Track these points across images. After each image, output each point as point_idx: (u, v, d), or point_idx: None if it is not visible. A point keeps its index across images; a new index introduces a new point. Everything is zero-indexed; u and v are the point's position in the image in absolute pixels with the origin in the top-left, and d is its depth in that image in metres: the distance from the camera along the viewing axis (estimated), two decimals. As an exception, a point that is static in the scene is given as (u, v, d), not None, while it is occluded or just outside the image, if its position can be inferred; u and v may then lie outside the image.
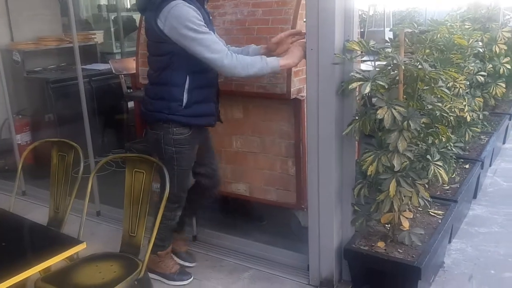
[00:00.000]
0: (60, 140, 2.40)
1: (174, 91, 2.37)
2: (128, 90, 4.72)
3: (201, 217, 3.23)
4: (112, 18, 6.46)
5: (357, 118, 2.30)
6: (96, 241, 3.11)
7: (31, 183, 4.09)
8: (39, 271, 1.73)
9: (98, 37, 5.61)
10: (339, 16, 2.25)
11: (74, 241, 1.74)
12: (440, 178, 2.38)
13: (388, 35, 8.22)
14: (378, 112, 2.07)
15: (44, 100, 4.50)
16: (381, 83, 2.09)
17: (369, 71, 2.20)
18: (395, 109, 2.06)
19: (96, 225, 3.52)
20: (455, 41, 2.48)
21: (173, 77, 2.36)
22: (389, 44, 2.26)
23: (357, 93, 2.34)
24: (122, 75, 4.49)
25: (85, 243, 1.68)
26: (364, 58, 2.46)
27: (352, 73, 2.18)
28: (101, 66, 4.93)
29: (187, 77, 2.35)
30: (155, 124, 2.45)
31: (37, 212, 3.46)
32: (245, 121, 3.02)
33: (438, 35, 2.43)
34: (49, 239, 1.91)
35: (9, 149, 4.37)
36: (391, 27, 8.61)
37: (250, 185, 3.09)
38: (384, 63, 2.22)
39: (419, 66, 2.10)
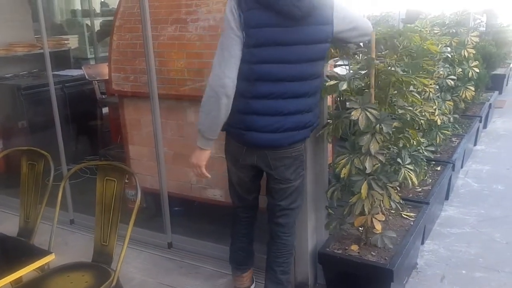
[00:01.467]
0: (29, 149, 2.36)
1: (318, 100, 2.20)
2: (102, 96, 4.68)
3: (176, 223, 3.21)
4: (86, 23, 6.38)
5: (330, 121, 2.33)
6: (69, 250, 3.07)
7: (1, 192, 4.00)
8: (10, 282, 1.69)
9: (72, 42, 5.54)
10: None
11: (44, 252, 1.71)
12: (410, 181, 2.43)
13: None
14: (352, 113, 2.09)
15: (15, 107, 4.41)
16: (358, 82, 2.13)
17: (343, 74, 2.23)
18: (368, 111, 2.09)
19: (69, 234, 3.46)
20: (427, 47, 2.53)
21: (321, 83, 2.18)
22: (363, 48, 2.29)
23: (330, 97, 2.37)
24: (96, 81, 4.44)
25: (53, 254, 1.66)
26: (338, 63, 2.49)
27: (329, 73, 2.20)
28: (74, 72, 4.87)
29: None
30: (298, 141, 2.18)
31: (8, 222, 3.39)
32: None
33: (410, 42, 2.47)
34: (19, 250, 1.88)
35: (-21, 157, 4.26)
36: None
37: (226, 190, 3.09)
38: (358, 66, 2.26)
39: (392, 69, 2.13)
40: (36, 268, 1.78)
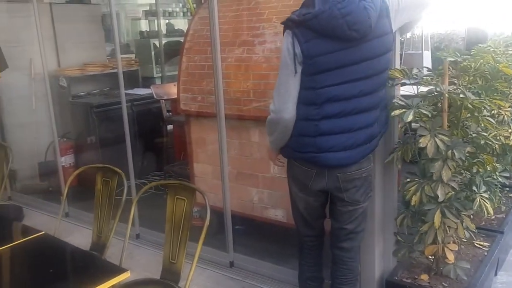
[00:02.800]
0: (104, 166, 2.47)
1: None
2: (168, 114, 4.84)
3: (238, 242, 3.23)
4: (154, 43, 6.66)
5: (398, 146, 2.27)
6: (135, 264, 3.16)
7: (73, 205, 4.20)
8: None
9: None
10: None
11: (118, 269, 1.77)
12: (485, 211, 2.30)
13: (427, 58, 8.09)
14: (420, 140, 2.04)
15: (87, 124, 4.66)
16: (424, 111, 2.06)
17: (410, 96, 2.18)
18: (438, 137, 2.02)
19: (135, 248, 3.57)
20: (501, 69, 2.42)
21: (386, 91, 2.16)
22: (431, 73, 2.23)
23: (398, 121, 2.31)
24: (163, 100, 4.60)
25: (128, 271, 1.71)
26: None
27: (394, 100, 2.15)
28: (142, 91, 5.07)
29: None
30: (369, 153, 2.16)
31: (79, 235, 3.55)
32: (284, 147, 3.02)
33: (483, 63, 2.38)
34: (93, 265, 1.95)
35: (53, 170, 4.52)
36: (430, 49, 8.50)
37: (287, 211, 3.08)
38: (426, 89, 2.19)
39: (461, 95, 2.06)
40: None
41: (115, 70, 4.94)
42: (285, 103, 2.07)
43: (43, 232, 2.17)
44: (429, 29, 9.82)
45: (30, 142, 4.70)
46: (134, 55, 6.43)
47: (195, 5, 6.26)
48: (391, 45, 2.09)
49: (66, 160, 4.56)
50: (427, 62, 8.01)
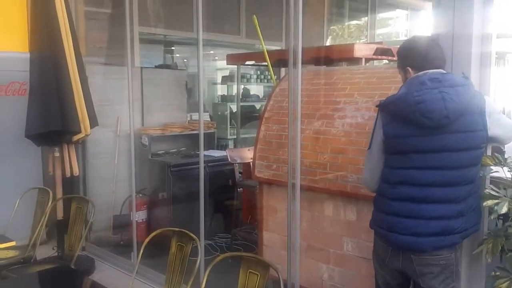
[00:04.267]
0: (181, 231, 2.50)
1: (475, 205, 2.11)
2: (239, 176, 4.91)
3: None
4: (230, 106, 6.93)
5: (488, 237, 2.11)
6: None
7: (142, 261, 4.25)
8: None
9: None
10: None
11: None
12: None
13: None
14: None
15: (163, 182, 4.82)
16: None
17: (502, 180, 2.06)
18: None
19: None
20: None
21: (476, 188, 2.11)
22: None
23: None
24: (236, 164, 4.69)
25: None
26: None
27: (486, 190, 2.04)
28: (217, 153, 5.21)
29: None
30: (444, 247, 2.06)
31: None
32: (359, 224, 2.92)
33: None
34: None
35: (126, 224, 4.67)
36: None
37: (358, 292, 2.93)
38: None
39: None
40: None
41: (193, 132, 5.19)
42: (370, 176, 2.26)
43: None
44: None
45: (108, 195, 4.91)
46: (208, 113, 6.69)
47: (276, 76, 6.51)
48: (482, 142, 2.06)
49: (139, 216, 4.70)
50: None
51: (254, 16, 3.58)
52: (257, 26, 3.68)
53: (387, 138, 2.12)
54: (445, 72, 2.08)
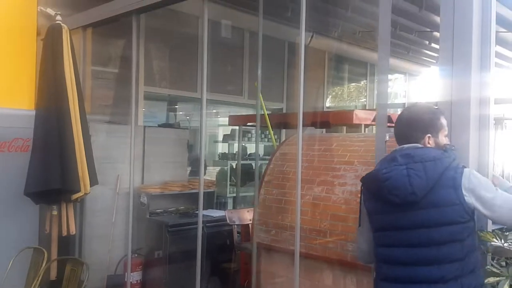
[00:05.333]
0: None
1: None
2: (237, 237, 4.83)
3: None
4: (231, 165, 6.95)
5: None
6: None
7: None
8: None
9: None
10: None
11: None
12: None
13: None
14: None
15: (160, 242, 4.75)
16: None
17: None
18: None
19: None
20: None
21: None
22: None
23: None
24: (235, 225, 4.63)
25: None
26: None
27: (488, 266, 2.01)
28: (216, 213, 5.16)
29: None
30: None
31: None
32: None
33: None
34: None
35: (120, 285, 4.55)
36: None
37: None
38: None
39: None
40: None
41: (193, 191, 5.17)
42: (362, 254, 2.31)
43: None
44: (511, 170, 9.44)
45: (104, 254, 4.82)
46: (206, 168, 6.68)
47: (276, 136, 6.59)
48: (460, 216, 1.95)
49: (134, 277, 4.59)
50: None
51: (256, 83, 3.66)
52: (259, 92, 3.77)
53: (368, 214, 2.16)
54: (420, 146, 2.07)
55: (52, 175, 3.81)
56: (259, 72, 3.77)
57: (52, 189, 3.84)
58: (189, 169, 5.80)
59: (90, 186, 4.11)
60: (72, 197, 4.00)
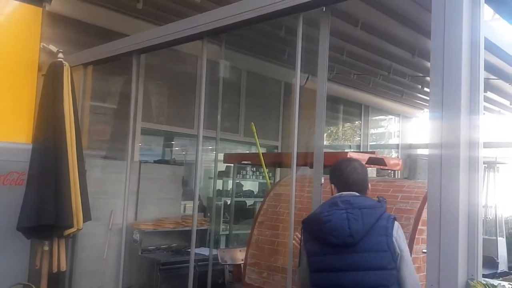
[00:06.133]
0: None
1: None
2: (229, 275, 4.78)
3: None
4: (224, 202, 6.94)
5: None
6: None
7: None
8: None
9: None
10: (462, 249, 2.17)
11: None
12: None
13: (501, 245, 7.59)
14: None
15: (151, 279, 4.69)
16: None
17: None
18: None
19: None
20: None
21: None
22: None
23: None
24: (227, 265, 4.59)
25: None
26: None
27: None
28: (208, 252, 5.12)
29: None
30: None
31: None
32: None
33: None
34: None
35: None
36: (504, 236, 8.05)
37: None
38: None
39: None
40: None
41: (186, 228, 5.15)
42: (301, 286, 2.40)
43: None
44: (503, 213, 9.49)
45: (93, 291, 4.76)
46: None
47: (271, 174, 6.62)
48: (388, 263, 2.15)
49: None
50: (502, 249, 7.50)
51: (252, 123, 3.73)
52: (255, 133, 3.84)
53: (308, 256, 2.28)
54: (358, 195, 2.31)
55: (46, 211, 3.81)
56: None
57: (44, 224, 3.83)
58: (183, 204, 5.77)
59: (83, 222, 4.09)
60: (65, 233, 3.98)
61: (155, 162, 5.95)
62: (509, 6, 2.65)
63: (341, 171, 2.38)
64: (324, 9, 2.84)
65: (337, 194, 2.33)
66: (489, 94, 6.56)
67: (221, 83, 4.40)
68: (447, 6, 2.22)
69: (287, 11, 2.98)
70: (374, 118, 10.34)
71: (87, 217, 4.12)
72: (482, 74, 2.28)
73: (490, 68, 4.81)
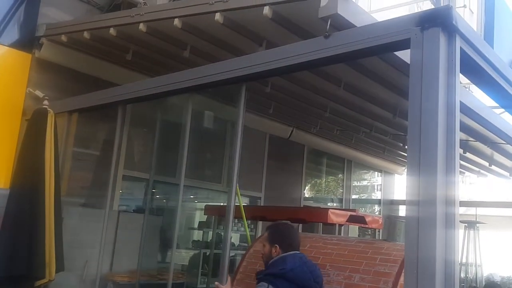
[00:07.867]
0: None
1: None
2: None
3: None
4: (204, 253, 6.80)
5: None
6: None
7: None
8: None
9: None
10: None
11: None
12: None
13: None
14: None
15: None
16: None
17: None
18: None
19: None
20: None
21: None
22: None
23: None
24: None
25: None
26: None
27: None
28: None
29: None
30: None
31: None
32: None
33: None
34: None
35: None
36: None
37: None
38: None
39: None
40: None
41: (161, 282, 5.01)
42: None
43: None
44: (484, 269, 9.46)
45: None
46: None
47: (253, 226, 6.56)
48: None
49: None
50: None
51: (237, 187, 3.71)
52: (239, 195, 3.83)
53: None
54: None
55: (17, 260, 3.69)
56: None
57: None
58: (159, 256, 5.65)
59: (56, 273, 3.96)
60: (35, 284, 3.84)
61: (134, 211, 5.85)
62: (484, 76, 2.76)
63: (288, 233, 2.94)
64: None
65: (292, 252, 2.84)
66: (469, 155, 6.69)
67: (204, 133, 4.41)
68: (424, 73, 2.33)
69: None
70: (357, 172, 10.44)
71: (60, 267, 4.00)
72: (458, 135, 2.36)
73: (467, 130, 4.95)
